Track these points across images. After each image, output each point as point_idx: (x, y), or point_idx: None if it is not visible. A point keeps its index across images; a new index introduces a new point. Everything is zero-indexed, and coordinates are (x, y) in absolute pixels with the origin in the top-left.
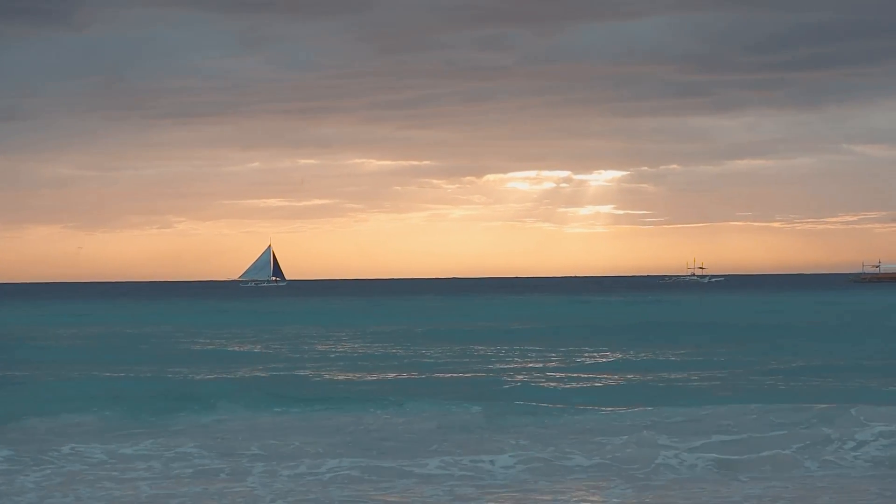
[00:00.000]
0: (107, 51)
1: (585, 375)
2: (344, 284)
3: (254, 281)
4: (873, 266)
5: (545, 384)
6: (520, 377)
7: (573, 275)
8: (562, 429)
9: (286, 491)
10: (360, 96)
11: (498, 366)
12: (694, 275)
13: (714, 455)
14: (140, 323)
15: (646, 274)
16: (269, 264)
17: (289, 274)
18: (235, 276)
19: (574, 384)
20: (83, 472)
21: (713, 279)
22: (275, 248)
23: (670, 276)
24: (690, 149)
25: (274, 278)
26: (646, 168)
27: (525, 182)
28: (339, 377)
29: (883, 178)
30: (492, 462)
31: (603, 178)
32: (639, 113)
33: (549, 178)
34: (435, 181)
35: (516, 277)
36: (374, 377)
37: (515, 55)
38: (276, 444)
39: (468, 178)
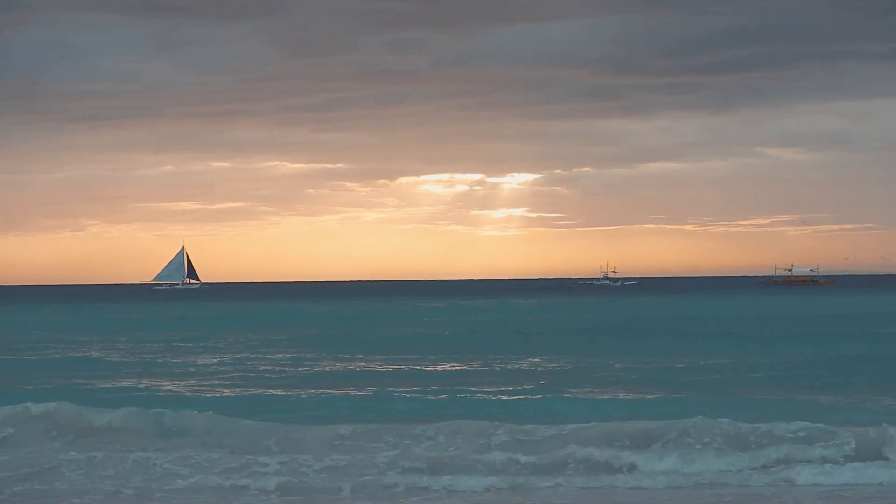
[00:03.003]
0: (19, 55)
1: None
2: (258, 287)
3: (168, 283)
4: (786, 269)
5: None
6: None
7: (486, 277)
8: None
9: None
10: (273, 99)
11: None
12: (606, 278)
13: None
14: (22, 328)
15: (559, 277)
16: (183, 266)
17: (203, 277)
18: (149, 279)
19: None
20: None
21: (625, 282)
22: (189, 251)
23: (583, 279)
24: (603, 152)
25: (189, 279)
26: (559, 171)
27: (438, 185)
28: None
29: (795, 182)
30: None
31: (516, 180)
32: (552, 116)
33: (463, 181)
34: (348, 184)
35: (429, 280)
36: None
37: (429, 58)
38: None
39: (381, 180)
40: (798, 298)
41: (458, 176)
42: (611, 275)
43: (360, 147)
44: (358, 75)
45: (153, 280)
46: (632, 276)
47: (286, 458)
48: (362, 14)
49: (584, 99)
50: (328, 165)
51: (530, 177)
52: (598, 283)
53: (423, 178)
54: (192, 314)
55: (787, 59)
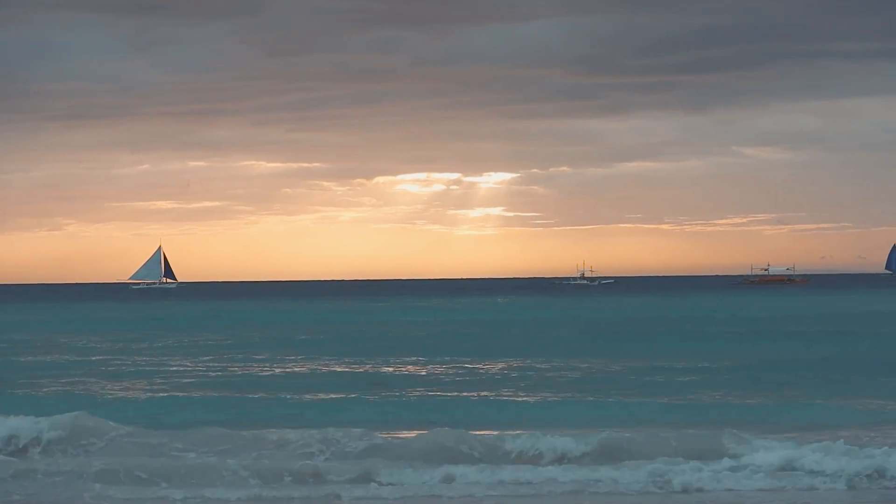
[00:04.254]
0: None
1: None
2: (234, 287)
3: (145, 282)
4: (762, 269)
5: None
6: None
7: (463, 277)
8: None
9: None
10: (250, 99)
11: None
12: (583, 277)
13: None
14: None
15: (536, 276)
16: (160, 266)
17: (180, 276)
18: (125, 279)
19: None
20: None
21: (602, 281)
22: (165, 250)
23: (559, 279)
24: (580, 151)
25: (165, 279)
26: (536, 170)
27: (415, 184)
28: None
29: (772, 181)
30: None
31: (493, 180)
32: (529, 116)
33: (440, 181)
34: (325, 183)
35: (406, 279)
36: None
37: (406, 58)
38: None
39: (358, 180)
40: (771, 298)
41: (435, 175)
42: (587, 274)
43: (337, 146)
44: (335, 75)
45: (130, 279)
46: (608, 275)
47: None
48: (339, 13)
49: (561, 98)
50: (305, 165)
51: (507, 176)
52: (575, 282)
53: (400, 177)
54: (165, 314)
55: (764, 59)
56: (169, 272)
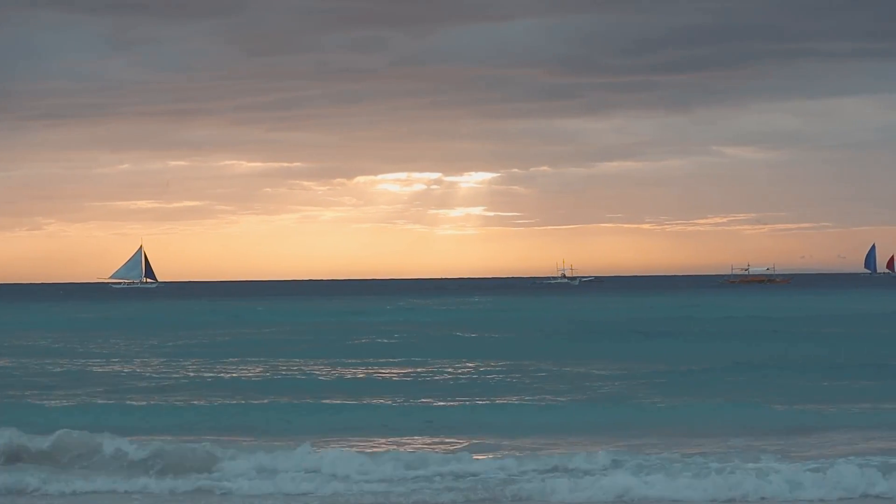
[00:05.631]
0: None
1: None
2: (215, 286)
3: (125, 281)
4: (742, 269)
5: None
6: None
7: (443, 276)
8: None
9: None
10: (230, 98)
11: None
12: (564, 276)
13: None
14: None
15: (517, 276)
16: (141, 265)
17: (161, 275)
18: (106, 278)
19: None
20: None
21: (583, 279)
22: (146, 250)
23: (540, 278)
24: (560, 151)
25: (146, 279)
26: (516, 170)
27: (396, 184)
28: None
29: (752, 181)
30: None
31: (473, 179)
32: (509, 115)
33: (420, 180)
34: (305, 183)
35: (387, 279)
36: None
37: (386, 57)
38: None
39: (339, 179)
40: (751, 298)
41: (416, 175)
42: (567, 273)
43: (318, 146)
44: (315, 74)
45: (110, 279)
46: (589, 275)
47: None
48: (319, 13)
49: (541, 98)
50: (285, 164)
51: (488, 176)
52: (555, 281)
53: (380, 177)
54: (145, 315)
55: (744, 59)
56: (150, 272)
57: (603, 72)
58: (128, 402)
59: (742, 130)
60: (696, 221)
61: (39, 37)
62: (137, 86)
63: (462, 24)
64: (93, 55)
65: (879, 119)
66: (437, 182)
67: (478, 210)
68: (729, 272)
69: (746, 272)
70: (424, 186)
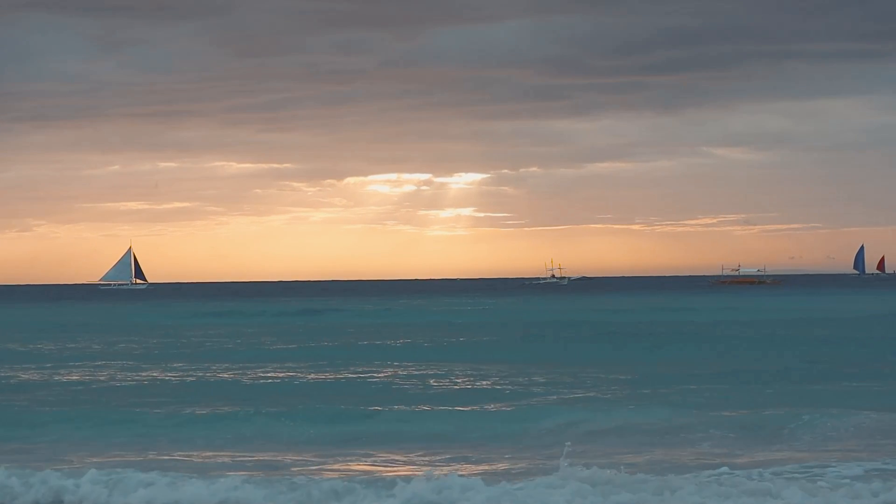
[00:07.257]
0: None
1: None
2: (205, 288)
3: (115, 283)
4: (732, 269)
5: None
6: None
7: (433, 277)
8: None
9: None
10: (219, 99)
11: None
12: (553, 276)
13: None
14: None
15: (507, 276)
16: (130, 267)
17: (151, 277)
18: (96, 280)
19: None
20: None
21: (572, 279)
22: (136, 252)
23: (529, 279)
24: (550, 152)
25: (136, 280)
26: (506, 171)
27: (385, 185)
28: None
29: (741, 181)
30: None
31: (463, 180)
32: (498, 116)
33: (410, 181)
34: (295, 184)
35: (377, 280)
36: None
37: (375, 58)
38: None
39: (328, 180)
40: (744, 299)
41: (406, 176)
42: (557, 273)
43: (307, 147)
44: (304, 75)
45: (100, 280)
46: (578, 276)
47: None
48: (308, 14)
49: (531, 99)
50: (275, 165)
51: (477, 176)
52: (545, 281)
53: (370, 177)
54: (135, 318)
55: (732, 59)
56: (139, 273)
57: (592, 73)
58: None
59: (731, 131)
60: (685, 222)
61: (28, 38)
62: (126, 87)
63: (451, 26)
64: (81, 56)
65: (868, 120)
66: (427, 183)
67: (467, 211)
68: (719, 272)
69: (737, 273)
70: (414, 187)
